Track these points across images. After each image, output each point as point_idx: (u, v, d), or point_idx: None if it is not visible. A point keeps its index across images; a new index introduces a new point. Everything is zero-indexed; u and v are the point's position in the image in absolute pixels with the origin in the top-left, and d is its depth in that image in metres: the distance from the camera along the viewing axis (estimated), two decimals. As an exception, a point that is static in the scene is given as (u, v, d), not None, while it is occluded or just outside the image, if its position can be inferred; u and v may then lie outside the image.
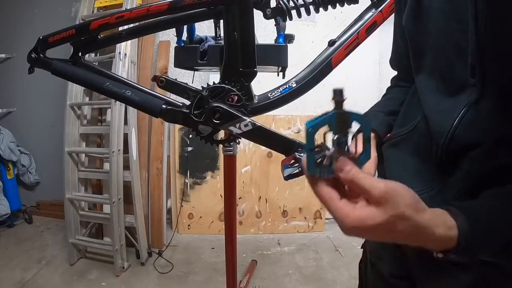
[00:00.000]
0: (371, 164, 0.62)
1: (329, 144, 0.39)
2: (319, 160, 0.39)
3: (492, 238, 0.40)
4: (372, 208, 0.36)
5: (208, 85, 0.81)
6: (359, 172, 0.38)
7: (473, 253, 0.40)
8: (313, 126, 0.38)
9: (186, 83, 0.85)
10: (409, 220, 0.37)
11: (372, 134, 0.67)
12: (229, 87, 0.80)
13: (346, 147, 0.39)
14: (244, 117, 0.79)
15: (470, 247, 0.39)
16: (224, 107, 0.79)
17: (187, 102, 0.83)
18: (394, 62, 0.75)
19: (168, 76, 0.85)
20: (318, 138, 0.39)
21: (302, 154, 0.77)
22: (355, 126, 0.38)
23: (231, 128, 0.80)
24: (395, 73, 0.78)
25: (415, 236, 0.38)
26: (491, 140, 0.44)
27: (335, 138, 0.38)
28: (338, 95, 0.37)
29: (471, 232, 0.39)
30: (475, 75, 0.44)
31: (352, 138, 0.41)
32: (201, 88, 0.81)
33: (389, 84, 0.80)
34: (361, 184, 0.37)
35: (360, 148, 0.39)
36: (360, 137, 0.39)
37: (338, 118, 0.37)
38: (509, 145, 0.43)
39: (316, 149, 0.39)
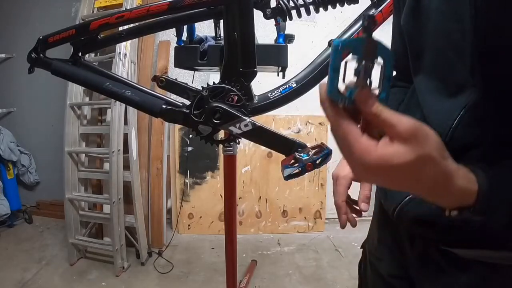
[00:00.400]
0: None
1: (350, 73, 0.35)
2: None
3: (508, 202, 0.39)
4: (398, 145, 0.33)
5: (208, 85, 0.81)
6: (383, 106, 0.34)
7: (489, 213, 0.38)
8: (341, 44, 0.34)
9: (186, 83, 0.85)
10: (435, 164, 0.33)
11: None
12: (229, 87, 0.80)
13: (369, 80, 0.35)
14: (244, 117, 0.79)
15: (488, 205, 0.37)
16: (224, 107, 0.79)
17: (187, 102, 0.83)
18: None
19: (168, 76, 0.85)
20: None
21: (302, 154, 0.77)
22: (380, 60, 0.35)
23: (231, 128, 0.80)
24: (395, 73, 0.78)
25: (437, 184, 0.35)
26: (491, 140, 0.44)
27: (360, 65, 0.34)
28: (369, 21, 0.34)
29: (490, 189, 0.37)
30: (474, 75, 0.44)
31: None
32: (201, 88, 0.81)
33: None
34: (386, 117, 0.33)
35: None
36: (381, 73, 0.36)
37: (366, 45, 0.34)
38: (509, 145, 0.43)
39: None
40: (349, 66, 0.35)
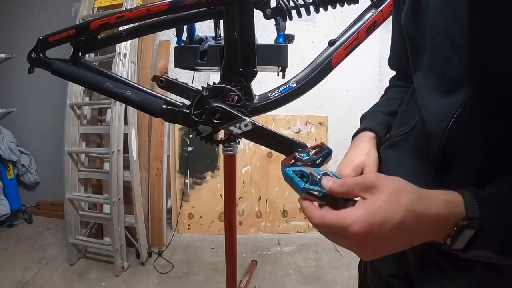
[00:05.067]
0: (373, 164, 0.62)
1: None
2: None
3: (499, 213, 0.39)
4: (372, 196, 0.38)
5: (208, 85, 0.81)
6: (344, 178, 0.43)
7: (484, 218, 0.38)
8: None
9: (186, 83, 0.85)
10: (407, 190, 0.38)
11: (372, 134, 0.67)
12: (229, 87, 0.80)
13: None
14: (244, 117, 0.79)
15: (479, 210, 0.38)
16: (224, 107, 0.79)
17: (187, 102, 0.83)
18: (393, 62, 0.74)
19: (168, 76, 0.85)
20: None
21: (302, 154, 0.77)
22: None
23: (231, 128, 0.79)
24: (394, 73, 0.78)
25: (423, 208, 0.37)
26: (487, 140, 0.44)
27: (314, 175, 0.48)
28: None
29: (477, 197, 0.39)
30: (471, 72, 0.44)
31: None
32: (201, 88, 0.81)
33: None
34: (351, 181, 0.40)
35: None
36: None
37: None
38: (505, 145, 0.42)
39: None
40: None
